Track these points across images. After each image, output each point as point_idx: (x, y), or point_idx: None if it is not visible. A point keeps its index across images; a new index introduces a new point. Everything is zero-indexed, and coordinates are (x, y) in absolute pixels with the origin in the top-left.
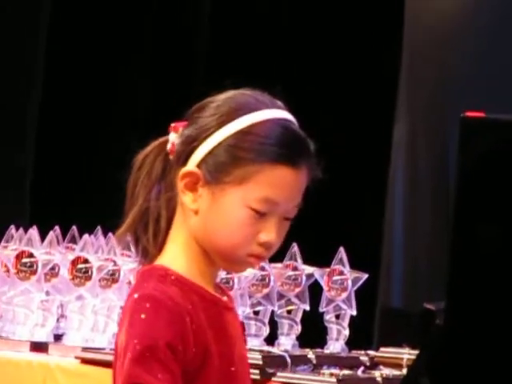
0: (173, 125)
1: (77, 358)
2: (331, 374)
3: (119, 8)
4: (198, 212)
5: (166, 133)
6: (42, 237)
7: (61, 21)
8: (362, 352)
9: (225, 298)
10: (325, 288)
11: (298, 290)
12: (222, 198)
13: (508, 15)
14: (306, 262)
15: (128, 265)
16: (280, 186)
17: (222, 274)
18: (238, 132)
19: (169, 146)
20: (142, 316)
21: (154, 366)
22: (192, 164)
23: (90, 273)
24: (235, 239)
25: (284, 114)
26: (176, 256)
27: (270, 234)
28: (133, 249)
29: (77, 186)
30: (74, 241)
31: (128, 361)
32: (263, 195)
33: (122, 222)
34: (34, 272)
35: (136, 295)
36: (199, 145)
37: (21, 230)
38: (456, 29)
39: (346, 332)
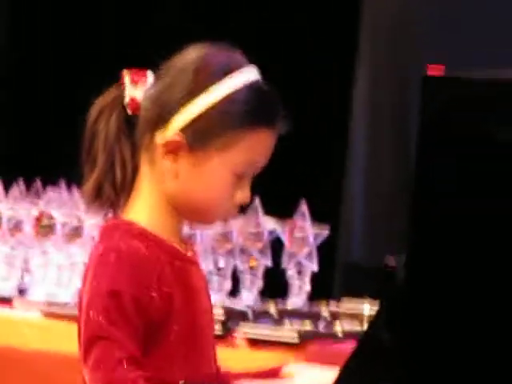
0: (128, 76)
1: (41, 312)
2: (292, 329)
3: None
4: (178, 175)
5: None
6: (5, 191)
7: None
8: (324, 307)
9: (189, 254)
10: (286, 243)
11: (259, 245)
12: (206, 163)
13: None
14: (267, 214)
15: (92, 220)
16: (260, 148)
17: (185, 230)
18: (221, 99)
19: (127, 100)
20: (107, 268)
21: (118, 320)
22: (173, 130)
23: (53, 228)
24: (215, 200)
25: (255, 73)
26: (141, 211)
27: (247, 193)
28: (93, 203)
29: (40, 138)
30: (37, 195)
31: (93, 313)
32: (246, 159)
33: (81, 174)
34: None
35: (101, 248)
36: (179, 110)
37: None
38: None
39: (307, 287)
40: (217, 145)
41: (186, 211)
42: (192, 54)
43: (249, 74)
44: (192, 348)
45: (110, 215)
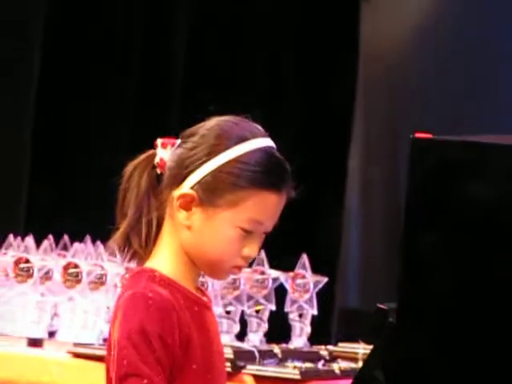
0: (160, 141)
1: (69, 352)
2: (294, 367)
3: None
4: (191, 228)
5: (149, 147)
6: (37, 245)
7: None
8: (322, 347)
9: (205, 299)
10: (289, 290)
11: (265, 292)
12: (214, 218)
13: (457, 42)
14: (271, 266)
15: (114, 269)
16: (266, 208)
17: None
18: (231, 160)
19: (157, 160)
20: (136, 311)
21: (148, 357)
22: (187, 186)
23: (80, 276)
24: (223, 254)
25: (268, 142)
26: (164, 260)
27: (254, 249)
28: (121, 253)
29: (68, 199)
30: (65, 248)
31: (124, 352)
32: (251, 217)
33: (114, 227)
34: (31, 276)
35: (128, 293)
36: (195, 169)
37: (18, 239)
38: (407, 59)
39: (308, 329)
40: (225, 202)
41: (199, 262)
42: (214, 123)
43: (262, 141)
44: None
45: (134, 265)
